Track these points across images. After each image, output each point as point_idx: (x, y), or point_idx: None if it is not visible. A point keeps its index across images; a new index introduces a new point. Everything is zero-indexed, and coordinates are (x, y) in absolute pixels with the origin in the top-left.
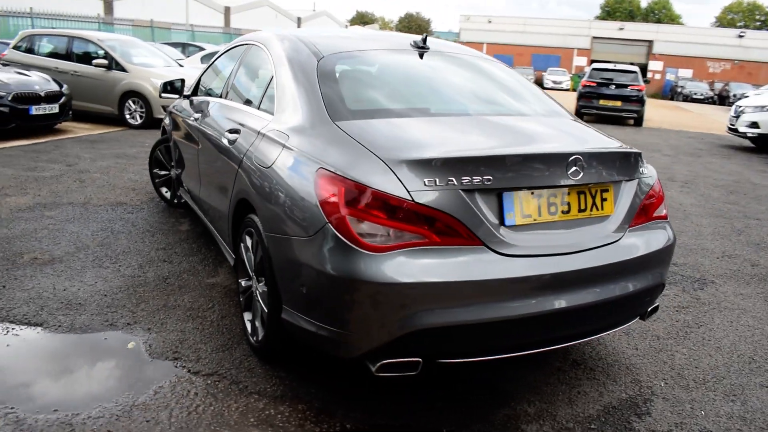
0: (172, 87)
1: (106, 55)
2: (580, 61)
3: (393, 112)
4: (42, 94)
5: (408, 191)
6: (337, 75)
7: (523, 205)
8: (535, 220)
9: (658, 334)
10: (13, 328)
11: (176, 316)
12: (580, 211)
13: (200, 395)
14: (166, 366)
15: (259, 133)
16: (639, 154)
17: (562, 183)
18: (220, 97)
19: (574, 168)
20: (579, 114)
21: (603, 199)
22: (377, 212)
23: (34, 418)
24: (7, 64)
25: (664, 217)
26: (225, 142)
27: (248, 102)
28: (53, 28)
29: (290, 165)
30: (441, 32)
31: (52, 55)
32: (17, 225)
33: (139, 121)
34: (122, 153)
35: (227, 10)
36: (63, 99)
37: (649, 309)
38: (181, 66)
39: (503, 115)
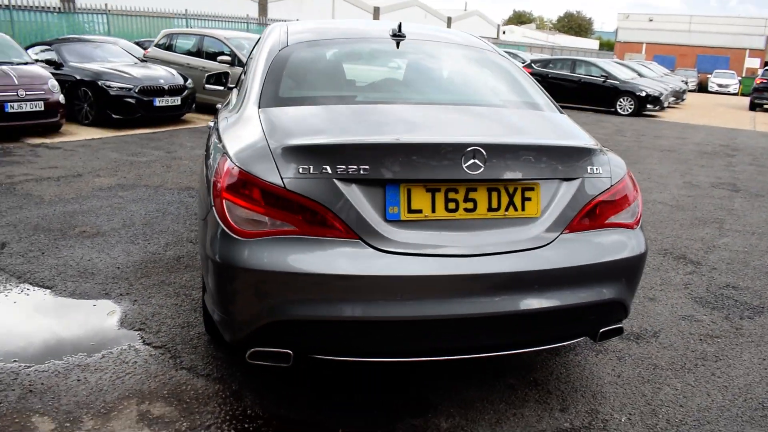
0: (216, 79)
1: (231, 53)
2: (752, 62)
3: (317, 99)
4: (166, 87)
5: (281, 178)
6: (288, 63)
7: (412, 200)
8: (427, 216)
9: (659, 362)
10: (26, 289)
11: (165, 292)
12: (490, 210)
13: (137, 364)
14: (127, 335)
15: (218, 119)
16: (587, 150)
17: (459, 177)
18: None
19: (471, 161)
20: (753, 105)
21: (525, 199)
22: (250, 198)
23: None
24: (147, 60)
25: (628, 225)
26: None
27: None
28: (203, 28)
29: (212, 148)
30: (603, 32)
31: (187, 52)
32: (89, 202)
33: None
34: None
35: (376, 10)
36: (186, 92)
37: (600, 330)
38: None
39: (438, 104)
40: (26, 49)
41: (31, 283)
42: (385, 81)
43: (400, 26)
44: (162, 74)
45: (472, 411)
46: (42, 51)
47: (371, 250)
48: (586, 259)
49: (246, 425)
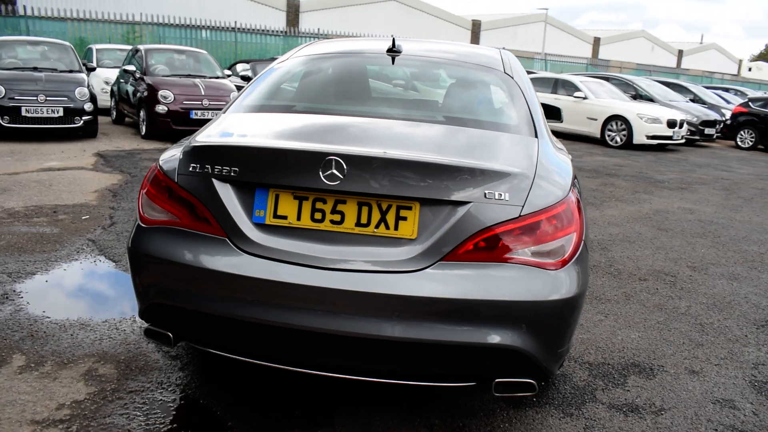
0: None
1: None
2: None
3: (265, 107)
4: None
5: (177, 174)
6: (272, 75)
7: (278, 205)
8: (291, 223)
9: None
10: (99, 260)
11: None
12: (359, 225)
13: (120, 333)
14: (124, 305)
15: None
16: (488, 173)
17: (317, 186)
18: None
19: (330, 171)
20: None
21: (400, 218)
22: (156, 190)
23: (43, 317)
24: None
25: (542, 264)
26: None
27: None
28: None
29: None
30: None
31: None
32: None
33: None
34: None
35: (596, 41)
36: None
37: (496, 380)
38: None
39: (376, 118)
40: (232, 66)
41: (106, 257)
42: (356, 95)
43: (393, 42)
44: None
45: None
46: (243, 70)
47: (235, 249)
48: (464, 293)
49: (162, 398)
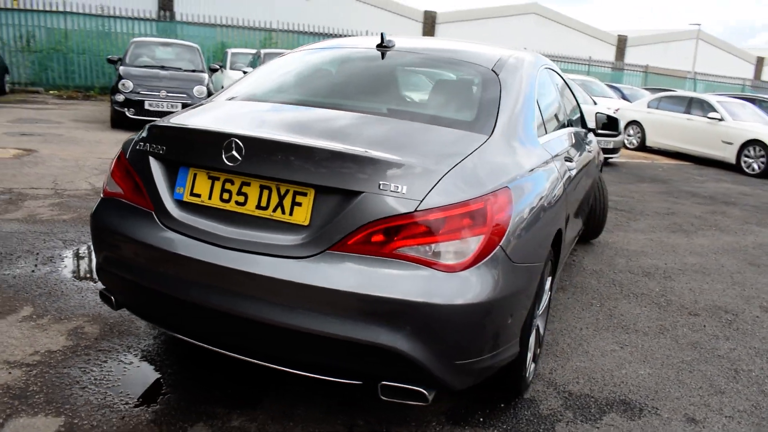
0: None
1: None
2: None
3: (236, 97)
4: None
5: (129, 151)
6: (263, 67)
7: (195, 183)
8: (203, 201)
9: None
10: None
11: None
12: (258, 207)
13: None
14: None
15: None
16: (384, 163)
17: (218, 167)
18: None
19: (230, 153)
20: None
21: (296, 203)
22: (114, 165)
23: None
24: None
25: (437, 264)
26: None
27: None
28: None
29: None
30: None
31: None
32: None
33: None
34: None
35: (760, 61)
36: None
37: (381, 383)
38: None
39: (327, 108)
40: None
41: None
42: (312, 86)
43: (382, 37)
44: None
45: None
46: None
47: (158, 223)
48: (346, 285)
49: (122, 360)
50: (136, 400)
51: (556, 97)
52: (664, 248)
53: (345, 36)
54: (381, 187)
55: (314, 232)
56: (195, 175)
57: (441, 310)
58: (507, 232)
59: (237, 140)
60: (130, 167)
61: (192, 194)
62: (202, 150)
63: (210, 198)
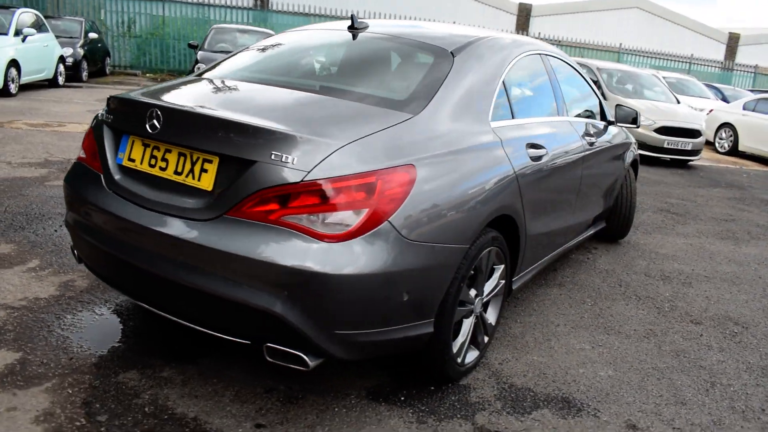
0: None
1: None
2: None
3: (205, 73)
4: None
5: (95, 120)
6: (249, 49)
7: (132, 149)
8: (137, 166)
9: None
10: None
11: None
12: (176, 173)
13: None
14: None
15: None
16: (276, 134)
17: (143, 134)
18: None
19: (152, 121)
20: None
21: (203, 170)
22: (86, 133)
23: None
24: None
25: (314, 233)
26: None
27: None
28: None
29: None
30: None
31: None
32: None
33: None
34: None
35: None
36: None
37: (266, 344)
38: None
39: (275, 86)
40: None
41: None
42: (270, 64)
43: (353, 20)
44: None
45: (189, 383)
46: None
47: (103, 185)
48: (234, 248)
49: (95, 311)
50: (89, 346)
51: (545, 84)
52: (700, 254)
53: None
54: (273, 156)
55: (215, 198)
56: (133, 142)
57: (316, 278)
58: (400, 208)
59: (157, 110)
60: (92, 135)
61: (129, 159)
62: (133, 118)
63: (142, 163)
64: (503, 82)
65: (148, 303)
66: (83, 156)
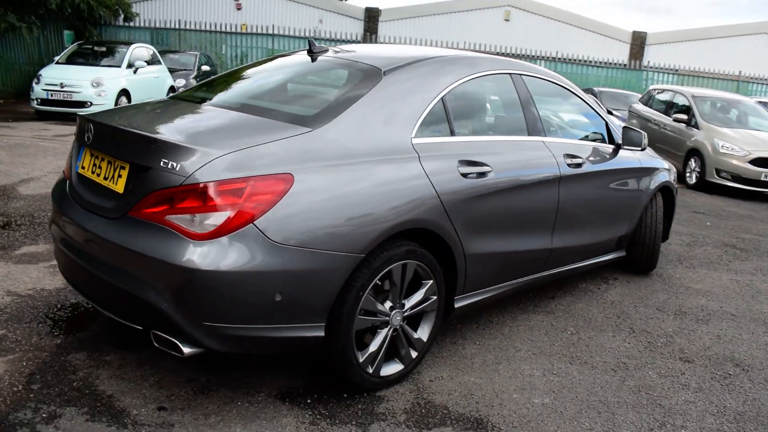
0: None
1: (688, 110)
2: None
3: (175, 94)
4: None
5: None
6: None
7: (84, 158)
8: (86, 173)
9: None
10: None
11: None
12: (104, 178)
13: None
14: None
15: None
16: (162, 144)
17: (84, 144)
18: None
19: (88, 134)
20: None
21: (119, 176)
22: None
23: None
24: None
25: (185, 231)
26: None
27: None
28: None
29: None
30: None
31: (661, 109)
32: None
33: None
34: None
35: None
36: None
37: (151, 330)
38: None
39: (221, 108)
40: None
41: None
42: (224, 86)
43: (310, 44)
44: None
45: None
46: None
47: (66, 190)
48: (128, 243)
49: (75, 303)
50: (61, 331)
51: (513, 105)
52: (742, 292)
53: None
54: (162, 163)
55: (122, 200)
56: (84, 153)
57: (181, 271)
58: (269, 212)
59: (91, 125)
60: (70, 149)
61: (82, 167)
62: (81, 132)
63: (87, 170)
64: (442, 100)
65: (83, 294)
66: (65, 168)
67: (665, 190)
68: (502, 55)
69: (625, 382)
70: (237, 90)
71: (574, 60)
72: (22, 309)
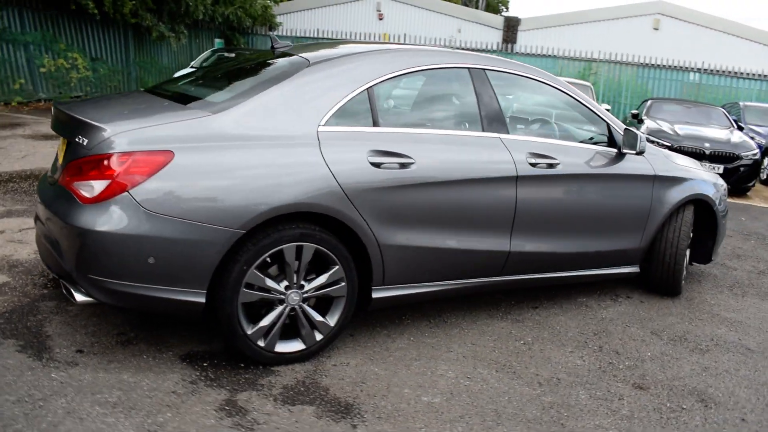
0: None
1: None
2: None
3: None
4: (708, 152)
5: None
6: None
7: (60, 147)
8: (58, 153)
9: None
10: None
11: None
12: (62, 156)
13: None
14: None
15: None
16: (81, 123)
17: (56, 133)
18: None
19: (51, 117)
20: None
21: (63, 152)
22: None
23: None
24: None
25: (78, 194)
26: None
27: None
28: None
29: None
30: None
31: None
32: None
33: None
34: None
35: None
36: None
37: (62, 281)
38: None
39: (154, 94)
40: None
41: None
42: (203, 80)
43: (272, 44)
44: (714, 137)
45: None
46: None
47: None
48: (51, 205)
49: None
50: (52, 282)
51: (467, 99)
52: None
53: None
54: (78, 139)
55: (60, 170)
56: (62, 140)
57: (68, 228)
58: (144, 183)
59: (54, 109)
60: None
61: (58, 156)
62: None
63: (59, 149)
64: (368, 91)
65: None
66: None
67: (701, 203)
68: (644, 66)
69: (541, 397)
70: (187, 81)
71: (722, 71)
72: (37, 264)
